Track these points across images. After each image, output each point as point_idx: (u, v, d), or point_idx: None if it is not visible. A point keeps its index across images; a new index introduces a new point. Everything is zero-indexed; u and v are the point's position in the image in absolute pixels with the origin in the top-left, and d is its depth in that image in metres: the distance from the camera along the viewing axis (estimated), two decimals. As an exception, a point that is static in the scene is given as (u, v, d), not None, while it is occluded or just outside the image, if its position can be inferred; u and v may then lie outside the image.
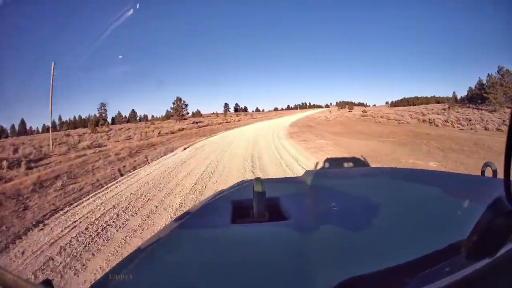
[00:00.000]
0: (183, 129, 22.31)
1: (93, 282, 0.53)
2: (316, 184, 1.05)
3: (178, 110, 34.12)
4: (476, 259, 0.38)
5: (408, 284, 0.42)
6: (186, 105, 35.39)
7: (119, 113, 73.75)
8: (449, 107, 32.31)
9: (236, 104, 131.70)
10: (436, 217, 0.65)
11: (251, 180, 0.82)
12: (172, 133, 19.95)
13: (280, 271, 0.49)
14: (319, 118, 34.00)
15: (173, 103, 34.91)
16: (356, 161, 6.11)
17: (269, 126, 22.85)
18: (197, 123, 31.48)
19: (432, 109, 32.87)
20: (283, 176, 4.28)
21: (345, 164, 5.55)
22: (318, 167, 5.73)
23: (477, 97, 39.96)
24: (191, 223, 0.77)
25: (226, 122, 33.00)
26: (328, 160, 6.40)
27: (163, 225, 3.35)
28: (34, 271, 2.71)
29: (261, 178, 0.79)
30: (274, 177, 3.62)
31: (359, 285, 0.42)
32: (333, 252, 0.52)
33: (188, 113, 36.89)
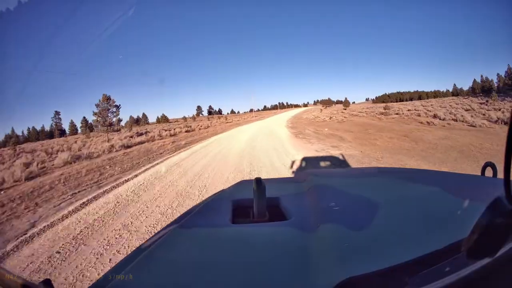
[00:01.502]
0: (72, 162, 9.99)
1: (93, 282, 0.52)
2: (316, 184, 1.02)
3: (103, 116, 19.25)
4: (476, 259, 0.38)
5: (408, 284, 0.41)
6: (117, 106, 20.02)
7: (71, 122, 58.74)
8: (487, 101, 25.12)
9: (210, 107, 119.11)
10: (436, 217, 0.64)
11: (251, 180, 0.79)
12: (28, 179, 8.00)
13: (280, 271, 0.48)
14: (319, 119, 24.22)
15: (96, 105, 19.42)
16: (333, 159, 5.76)
17: (261, 138, 11.86)
18: (137, 135, 19.62)
19: (468, 104, 24.80)
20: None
21: (322, 163, 5.40)
22: (295, 166, 5.27)
23: (508, 88, 33.42)
24: (191, 222, 0.75)
25: (187, 131, 21.47)
26: (305, 159, 5.92)
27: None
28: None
29: (261, 178, 0.77)
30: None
31: (359, 284, 0.41)
32: (333, 252, 0.52)
33: (120, 120, 21.77)
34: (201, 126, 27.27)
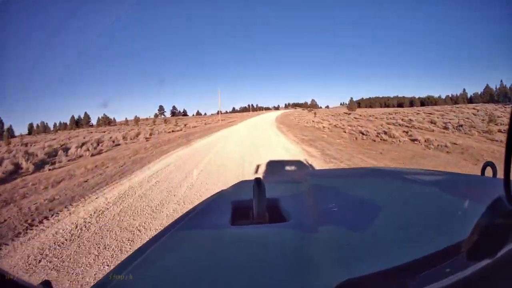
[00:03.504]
0: None
1: (93, 283, 0.51)
2: (316, 185, 1.01)
3: None
4: (476, 259, 0.37)
5: (408, 284, 0.41)
6: None
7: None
8: None
9: (174, 107, 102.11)
10: (436, 217, 0.63)
11: (251, 180, 0.78)
12: None
13: (280, 272, 0.47)
14: (336, 128, 12.00)
15: None
16: (298, 164, 5.44)
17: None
18: None
19: None
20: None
21: (288, 168, 5.25)
22: (261, 170, 5.01)
23: None
24: (191, 223, 0.74)
25: None
26: (270, 162, 5.56)
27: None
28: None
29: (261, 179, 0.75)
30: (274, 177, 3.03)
31: (359, 285, 0.41)
32: (333, 253, 0.51)
33: None
34: (96, 144, 12.75)
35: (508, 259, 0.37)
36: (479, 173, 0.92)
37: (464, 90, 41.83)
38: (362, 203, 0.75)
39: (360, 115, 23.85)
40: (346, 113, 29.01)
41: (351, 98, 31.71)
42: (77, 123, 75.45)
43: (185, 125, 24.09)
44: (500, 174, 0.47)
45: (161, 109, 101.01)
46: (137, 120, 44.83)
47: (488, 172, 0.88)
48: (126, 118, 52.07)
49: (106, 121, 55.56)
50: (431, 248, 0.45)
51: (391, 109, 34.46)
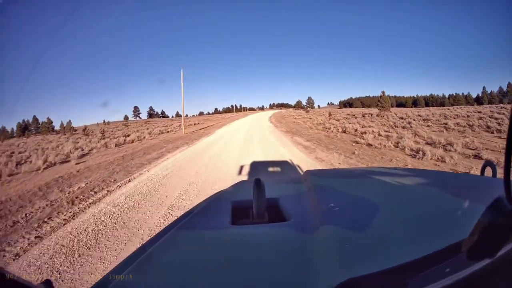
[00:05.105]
0: None
1: (93, 283, 0.51)
2: (315, 185, 0.99)
3: None
4: (476, 259, 0.37)
5: (408, 284, 0.40)
6: None
7: None
8: None
9: (151, 108, 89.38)
10: (436, 217, 0.62)
11: (251, 180, 0.78)
12: None
13: (280, 272, 0.47)
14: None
15: None
16: (283, 164, 5.29)
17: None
18: None
19: None
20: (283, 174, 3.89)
21: (271, 169, 5.08)
22: (245, 171, 4.98)
23: None
24: (191, 224, 0.74)
25: None
26: (254, 163, 5.44)
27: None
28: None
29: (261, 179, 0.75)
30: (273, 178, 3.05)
31: (359, 285, 0.40)
32: (333, 253, 0.50)
33: None
34: None
35: (509, 259, 0.37)
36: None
37: (484, 88, 36.48)
38: (362, 203, 0.74)
39: (402, 118, 16.09)
40: (369, 113, 21.32)
41: (383, 91, 23.37)
42: (25, 128, 61.16)
43: (117, 137, 14.31)
44: (500, 174, 0.46)
45: (136, 110, 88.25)
46: (70, 127, 33.55)
47: (488, 172, 0.87)
48: (61, 122, 39.98)
49: (50, 128, 42.97)
50: (431, 248, 0.45)
51: (438, 109, 27.03)
